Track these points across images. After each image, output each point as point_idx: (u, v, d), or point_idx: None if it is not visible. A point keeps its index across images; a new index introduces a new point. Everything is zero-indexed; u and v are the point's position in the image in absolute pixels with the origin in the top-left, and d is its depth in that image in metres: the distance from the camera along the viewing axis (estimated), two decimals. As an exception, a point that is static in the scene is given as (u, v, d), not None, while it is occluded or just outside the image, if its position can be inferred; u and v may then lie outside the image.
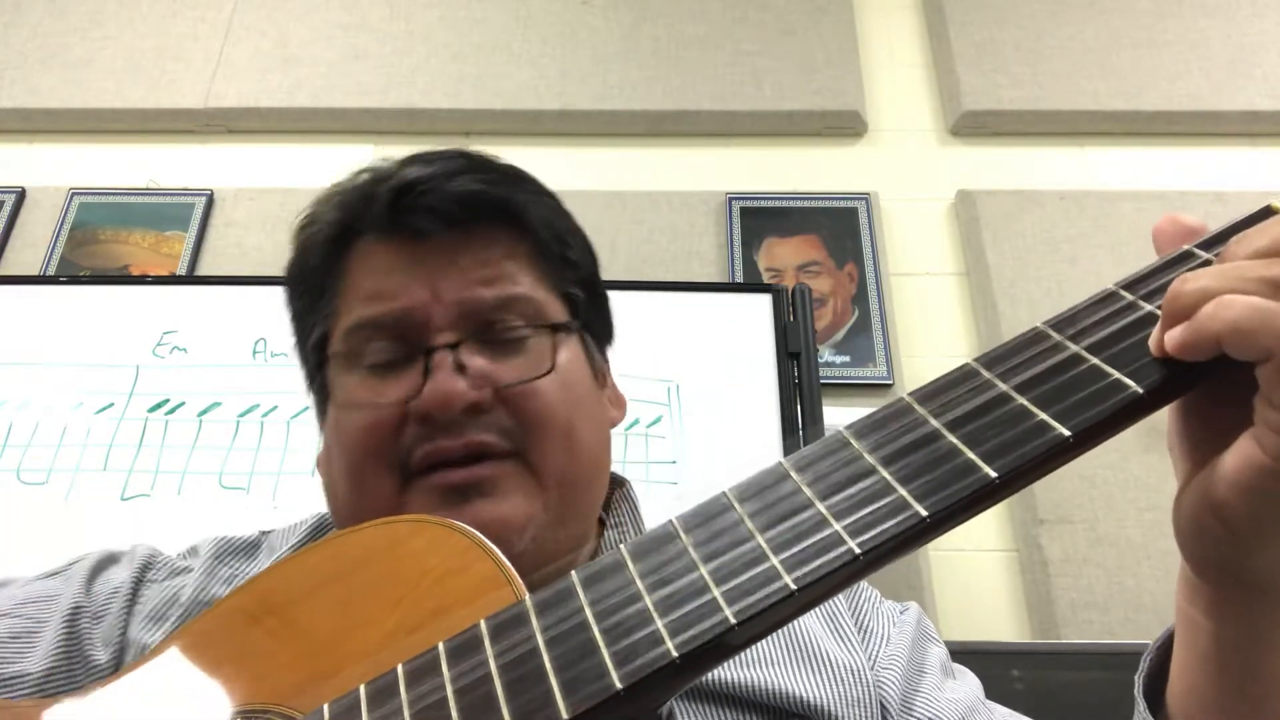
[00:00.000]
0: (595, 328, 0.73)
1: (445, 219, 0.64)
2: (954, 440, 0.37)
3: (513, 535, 0.59)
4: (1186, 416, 0.43)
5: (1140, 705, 0.51)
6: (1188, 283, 0.38)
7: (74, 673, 0.61)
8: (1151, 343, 0.38)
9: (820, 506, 0.36)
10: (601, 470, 0.70)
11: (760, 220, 2.04)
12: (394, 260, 0.65)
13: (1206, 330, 0.36)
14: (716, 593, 0.35)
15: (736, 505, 0.38)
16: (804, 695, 0.62)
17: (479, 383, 0.61)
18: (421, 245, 0.65)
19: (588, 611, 0.36)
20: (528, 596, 0.38)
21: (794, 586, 0.34)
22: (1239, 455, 0.37)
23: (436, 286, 0.64)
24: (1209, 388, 0.39)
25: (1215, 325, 0.36)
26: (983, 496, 0.36)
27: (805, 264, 2.00)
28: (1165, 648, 0.51)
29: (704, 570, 0.36)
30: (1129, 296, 0.40)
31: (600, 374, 0.73)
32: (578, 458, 0.65)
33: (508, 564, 0.41)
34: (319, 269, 0.68)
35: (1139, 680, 0.52)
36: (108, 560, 0.69)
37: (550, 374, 0.64)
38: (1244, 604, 0.43)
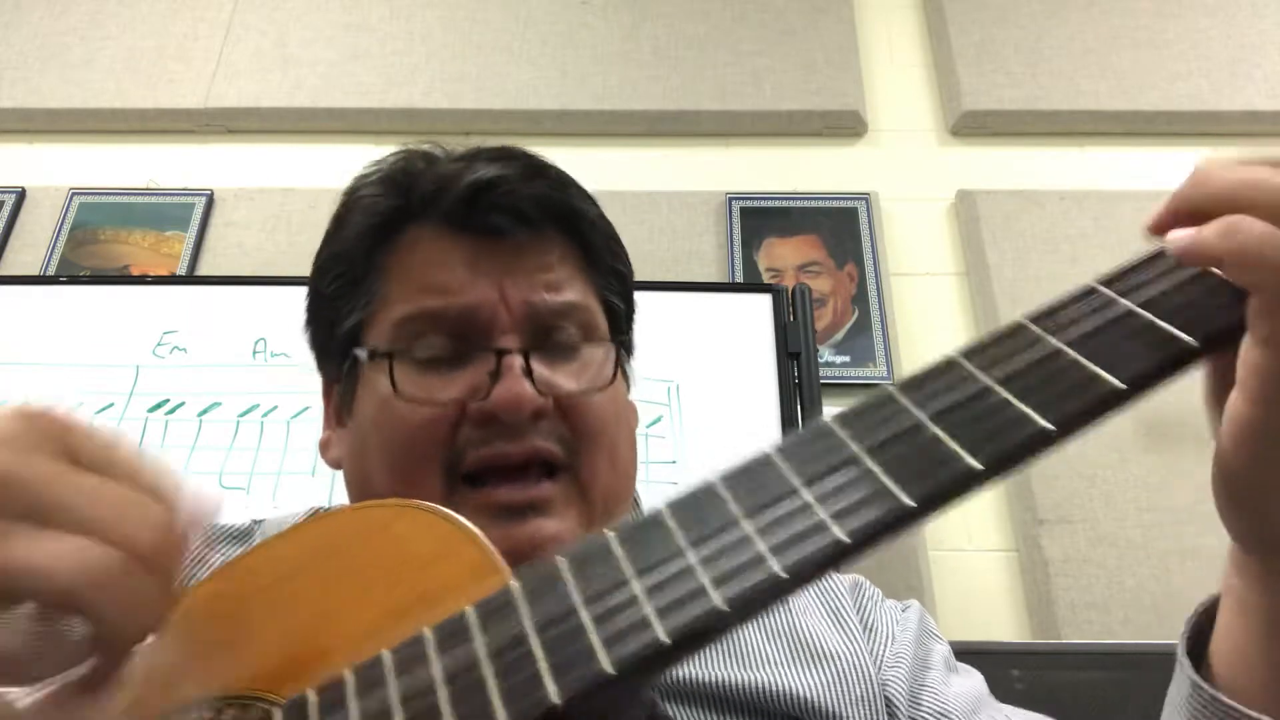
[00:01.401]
0: (628, 341, 0.74)
1: (521, 220, 0.64)
2: (936, 430, 0.38)
3: None
4: (1217, 381, 0.42)
5: (1185, 664, 0.48)
6: (1214, 179, 0.40)
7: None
8: (1150, 221, 0.40)
9: (806, 493, 0.37)
10: (633, 482, 0.70)
11: (760, 220, 2.04)
12: (458, 254, 0.64)
13: (1212, 249, 0.37)
14: (705, 578, 0.35)
15: (723, 491, 0.38)
16: (803, 694, 0.62)
17: (543, 389, 0.61)
18: (488, 243, 0.64)
19: (575, 596, 0.36)
20: (515, 582, 0.38)
21: (780, 571, 0.34)
22: (1228, 413, 0.37)
23: (503, 286, 0.63)
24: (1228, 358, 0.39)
25: (1221, 247, 0.37)
26: (964, 485, 0.36)
27: (805, 264, 2.00)
28: (1209, 611, 0.49)
29: (691, 555, 0.36)
30: (1108, 293, 0.42)
31: (630, 387, 0.74)
32: (619, 472, 0.65)
33: (493, 550, 0.41)
34: (362, 252, 0.66)
35: (1182, 641, 0.49)
36: None
37: (607, 388, 0.64)
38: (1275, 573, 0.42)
